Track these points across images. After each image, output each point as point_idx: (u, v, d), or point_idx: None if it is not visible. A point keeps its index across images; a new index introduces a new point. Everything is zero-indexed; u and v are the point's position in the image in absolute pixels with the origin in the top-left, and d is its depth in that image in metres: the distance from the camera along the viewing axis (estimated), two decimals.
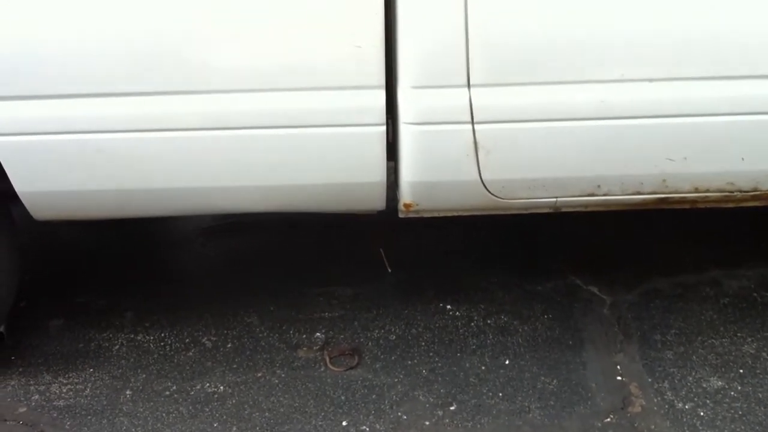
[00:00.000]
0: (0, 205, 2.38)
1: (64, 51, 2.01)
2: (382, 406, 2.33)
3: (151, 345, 2.63)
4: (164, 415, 2.33)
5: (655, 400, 2.33)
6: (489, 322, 2.69)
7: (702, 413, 2.27)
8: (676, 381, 2.40)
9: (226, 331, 2.69)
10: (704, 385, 2.38)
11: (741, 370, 2.44)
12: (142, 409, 2.35)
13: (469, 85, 2.05)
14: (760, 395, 2.33)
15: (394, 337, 2.64)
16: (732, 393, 2.35)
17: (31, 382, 2.47)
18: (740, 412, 2.27)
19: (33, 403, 2.39)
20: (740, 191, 2.30)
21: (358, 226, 3.24)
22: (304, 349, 2.60)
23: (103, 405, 2.37)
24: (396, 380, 2.44)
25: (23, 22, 1.98)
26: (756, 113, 2.14)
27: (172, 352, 2.59)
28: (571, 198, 2.31)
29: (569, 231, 3.25)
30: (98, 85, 2.05)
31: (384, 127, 2.13)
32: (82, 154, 2.14)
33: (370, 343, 2.61)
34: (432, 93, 2.08)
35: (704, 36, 2.04)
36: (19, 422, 2.32)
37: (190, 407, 2.35)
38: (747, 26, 2.03)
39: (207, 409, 2.34)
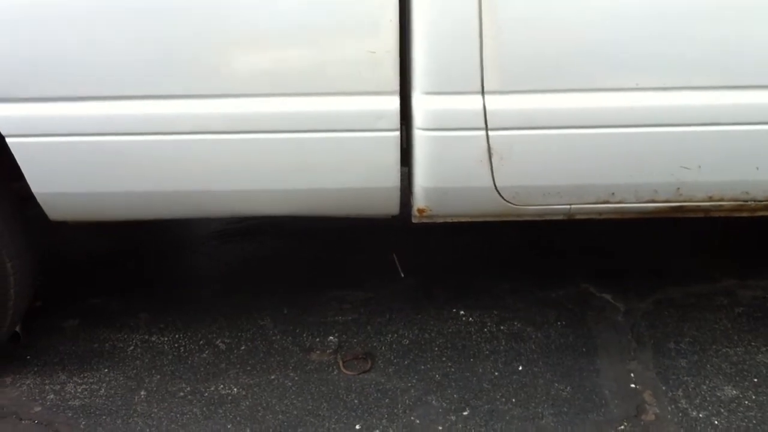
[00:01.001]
0: (17, 205, 2.40)
1: (82, 53, 2.02)
2: (395, 411, 2.34)
3: (166, 346, 2.65)
4: (178, 416, 2.34)
5: (669, 408, 2.32)
6: (502, 328, 2.69)
7: (716, 422, 2.26)
8: (690, 389, 2.39)
9: (239, 334, 2.70)
10: (718, 394, 2.37)
11: (755, 379, 2.43)
12: (156, 410, 2.36)
13: (483, 92, 2.06)
14: None
15: (407, 341, 2.64)
16: (746, 402, 2.34)
17: (47, 382, 2.49)
18: (754, 422, 2.26)
19: (48, 403, 2.40)
20: (754, 201, 2.29)
21: (372, 230, 3.25)
22: (318, 352, 2.61)
23: (118, 405, 2.39)
24: (409, 385, 2.44)
25: (41, 23, 2.00)
26: None
27: (186, 354, 2.61)
28: (585, 205, 2.30)
29: (583, 238, 3.24)
30: (115, 87, 2.06)
31: (398, 133, 2.13)
32: (98, 156, 2.16)
33: (383, 348, 2.61)
34: (446, 99, 2.08)
35: (719, 45, 2.03)
36: (34, 421, 2.34)
37: (204, 408, 2.36)
38: (763, 36, 2.02)
39: (221, 411, 2.35)
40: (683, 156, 2.18)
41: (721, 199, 2.28)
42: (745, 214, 2.37)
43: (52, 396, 2.43)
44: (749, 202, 2.29)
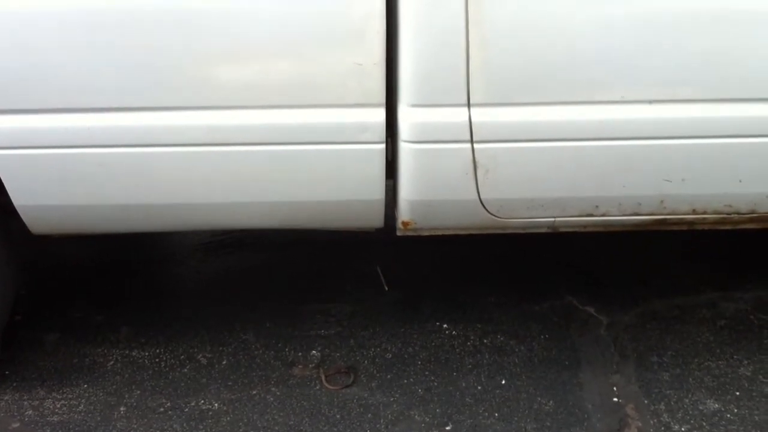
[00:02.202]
0: None
1: (64, 64, 2.00)
2: (378, 426, 2.33)
3: (146, 361, 2.62)
4: (158, 431, 2.31)
5: (652, 422, 2.32)
6: (485, 341, 2.69)
7: None
8: (673, 403, 2.40)
9: (221, 348, 2.68)
10: (701, 408, 2.38)
11: (737, 393, 2.43)
12: (136, 426, 2.34)
13: (469, 104, 2.06)
14: (757, 418, 2.33)
15: (390, 355, 2.63)
16: (728, 415, 2.35)
17: (25, 397, 2.46)
18: None
19: (26, 419, 2.37)
20: (738, 213, 2.31)
21: (356, 243, 3.25)
22: (300, 366, 2.59)
23: (97, 421, 2.36)
24: (392, 399, 2.43)
25: (23, 35, 1.98)
26: (754, 136, 2.14)
27: (167, 369, 2.58)
28: (569, 218, 2.31)
29: (567, 251, 3.25)
30: (100, 99, 2.05)
31: (383, 145, 2.13)
32: (81, 169, 2.14)
33: (366, 362, 2.60)
34: (432, 111, 2.08)
35: (704, 58, 2.05)
36: None
37: (185, 424, 2.34)
38: (746, 49, 2.04)
39: (201, 427, 2.33)
40: (667, 169, 2.19)
41: (705, 212, 2.30)
42: (728, 227, 2.39)
43: (30, 412, 2.40)
44: (732, 215, 2.31)
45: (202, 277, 3.20)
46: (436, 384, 2.49)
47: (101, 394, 2.47)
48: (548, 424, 2.32)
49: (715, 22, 2.02)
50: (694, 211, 2.29)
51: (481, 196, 2.21)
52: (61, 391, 2.49)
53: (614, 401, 2.41)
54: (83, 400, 2.44)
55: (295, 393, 2.46)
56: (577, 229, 2.40)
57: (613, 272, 3.12)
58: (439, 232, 2.42)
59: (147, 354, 2.65)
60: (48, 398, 2.45)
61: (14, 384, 2.52)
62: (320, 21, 1.98)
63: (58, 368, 2.59)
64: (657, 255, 3.23)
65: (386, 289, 3.00)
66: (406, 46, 2.01)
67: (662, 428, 2.30)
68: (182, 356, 2.64)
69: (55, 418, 2.37)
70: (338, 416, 2.36)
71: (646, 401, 2.40)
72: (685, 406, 2.38)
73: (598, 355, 2.61)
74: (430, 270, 3.16)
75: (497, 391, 2.45)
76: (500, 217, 2.28)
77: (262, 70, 2.05)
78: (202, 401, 2.43)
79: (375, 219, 2.33)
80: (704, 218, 2.32)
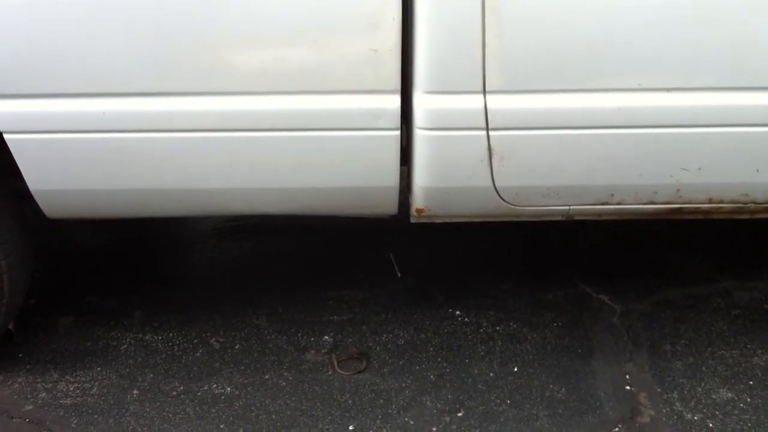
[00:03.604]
0: (14, 202, 2.38)
1: (81, 49, 2.00)
2: (390, 411, 2.33)
3: (159, 345, 2.63)
4: (171, 415, 2.32)
5: (664, 411, 2.32)
6: (498, 328, 2.69)
7: (711, 424, 2.26)
8: (686, 392, 2.39)
9: (234, 333, 2.69)
10: (714, 397, 2.37)
11: (751, 382, 2.43)
12: (148, 409, 2.35)
13: (484, 92, 2.05)
14: None
15: (403, 341, 2.63)
16: (741, 405, 2.34)
17: (39, 380, 2.47)
18: (749, 424, 2.26)
19: (40, 401, 2.39)
20: (754, 203, 2.29)
21: (370, 230, 3.24)
22: (312, 352, 2.59)
23: (110, 404, 2.37)
24: (404, 385, 2.43)
25: (38, 20, 1.98)
26: None
27: (180, 353, 2.59)
28: (584, 206, 2.30)
29: (581, 239, 3.24)
30: (115, 84, 2.04)
31: (398, 132, 2.12)
32: (96, 153, 2.14)
33: (378, 348, 2.61)
34: (447, 98, 2.07)
35: (721, 46, 2.03)
36: (25, 420, 2.32)
37: (197, 408, 2.35)
38: (764, 37, 2.02)
39: (214, 411, 2.34)
40: (684, 157, 2.18)
41: (721, 201, 2.28)
42: (744, 216, 2.37)
43: (43, 394, 2.41)
44: (749, 204, 2.29)
45: (216, 263, 3.21)
46: (448, 370, 2.49)
47: (114, 377, 2.48)
48: (560, 411, 2.32)
49: (733, 10, 2.00)
50: (710, 200, 2.28)
51: (496, 184, 2.20)
52: (74, 374, 2.50)
53: (627, 389, 2.40)
54: (96, 383, 2.46)
55: (307, 378, 2.47)
56: (591, 218, 2.39)
57: (627, 261, 3.11)
58: (453, 220, 2.41)
59: (160, 338, 2.66)
60: (61, 381, 2.47)
61: (28, 367, 2.53)
62: (336, 7, 1.97)
63: (72, 351, 2.60)
64: (671, 244, 3.22)
65: (399, 275, 3.00)
66: (421, 32, 2.00)
67: (675, 417, 2.29)
68: (195, 340, 2.65)
69: (68, 401, 2.38)
70: (350, 401, 2.37)
71: (659, 390, 2.40)
72: (698, 395, 2.38)
73: (611, 344, 2.61)
74: (443, 257, 3.16)
75: (509, 378, 2.45)
76: (515, 205, 2.28)
77: (277, 56, 2.04)
78: (215, 385, 2.44)
79: (389, 206, 2.32)
80: (720, 207, 2.31)
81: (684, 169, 2.19)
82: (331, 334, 2.67)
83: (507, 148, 2.13)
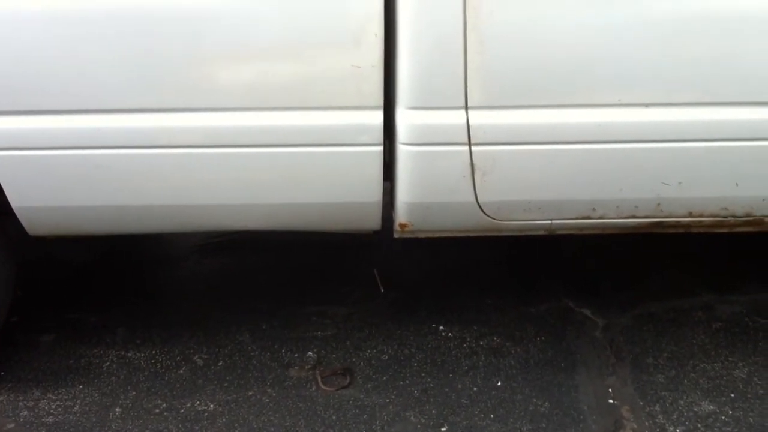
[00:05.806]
0: None
1: (64, 65, 2.00)
2: (374, 427, 2.33)
3: (142, 362, 2.62)
4: None
5: (647, 424, 2.33)
6: (481, 343, 2.69)
7: None
8: (668, 405, 2.40)
9: (217, 349, 2.68)
10: (695, 409, 2.38)
11: (732, 395, 2.44)
12: (131, 427, 2.33)
13: (467, 107, 2.06)
14: (751, 420, 2.34)
15: (387, 357, 2.63)
16: (723, 417, 2.35)
17: (20, 398, 2.45)
18: None
19: (21, 419, 2.37)
20: (734, 216, 2.32)
21: (353, 245, 3.25)
22: (296, 368, 2.59)
23: (93, 422, 2.35)
24: (388, 401, 2.43)
25: (20, 37, 1.97)
26: (750, 139, 2.15)
27: (163, 370, 2.58)
28: (566, 221, 2.32)
29: (563, 253, 3.26)
30: (99, 100, 2.04)
31: (381, 147, 2.13)
32: (79, 170, 2.14)
33: (362, 363, 2.60)
34: (430, 114, 2.08)
35: (700, 62, 2.06)
36: None
37: (180, 425, 2.34)
38: (742, 52, 2.05)
39: (197, 428, 2.33)
40: (664, 172, 2.20)
41: (701, 215, 2.30)
42: (724, 230, 2.40)
43: (25, 413, 2.39)
44: (728, 218, 2.32)
45: (199, 279, 3.20)
46: (432, 385, 2.49)
47: (97, 395, 2.47)
48: (544, 425, 2.32)
49: (711, 26, 2.03)
50: (690, 214, 2.30)
51: (479, 199, 2.22)
52: (56, 391, 2.48)
53: (610, 403, 2.41)
54: (79, 401, 2.44)
55: (291, 394, 2.46)
56: (573, 232, 2.41)
57: (609, 275, 3.13)
58: (436, 235, 2.42)
59: (143, 355, 2.65)
60: (43, 399, 2.45)
61: (9, 385, 2.51)
62: (319, 23, 1.98)
63: (54, 369, 2.58)
64: (653, 258, 3.24)
65: (382, 290, 3.00)
66: (404, 48, 2.02)
67: (657, 430, 2.30)
68: (178, 357, 2.64)
69: (51, 419, 2.36)
70: (334, 417, 2.36)
71: (641, 403, 2.41)
72: (681, 407, 2.39)
73: (593, 357, 2.62)
74: (426, 272, 3.16)
75: (493, 393, 2.46)
76: (497, 220, 2.29)
77: (261, 72, 2.05)
78: (198, 402, 2.43)
79: (372, 221, 2.33)
80: (700, 221, 2.33)
81: (664, 184, 2.21)
82: (315, 349, 2.67)
83: (489, 164, 2.15)
